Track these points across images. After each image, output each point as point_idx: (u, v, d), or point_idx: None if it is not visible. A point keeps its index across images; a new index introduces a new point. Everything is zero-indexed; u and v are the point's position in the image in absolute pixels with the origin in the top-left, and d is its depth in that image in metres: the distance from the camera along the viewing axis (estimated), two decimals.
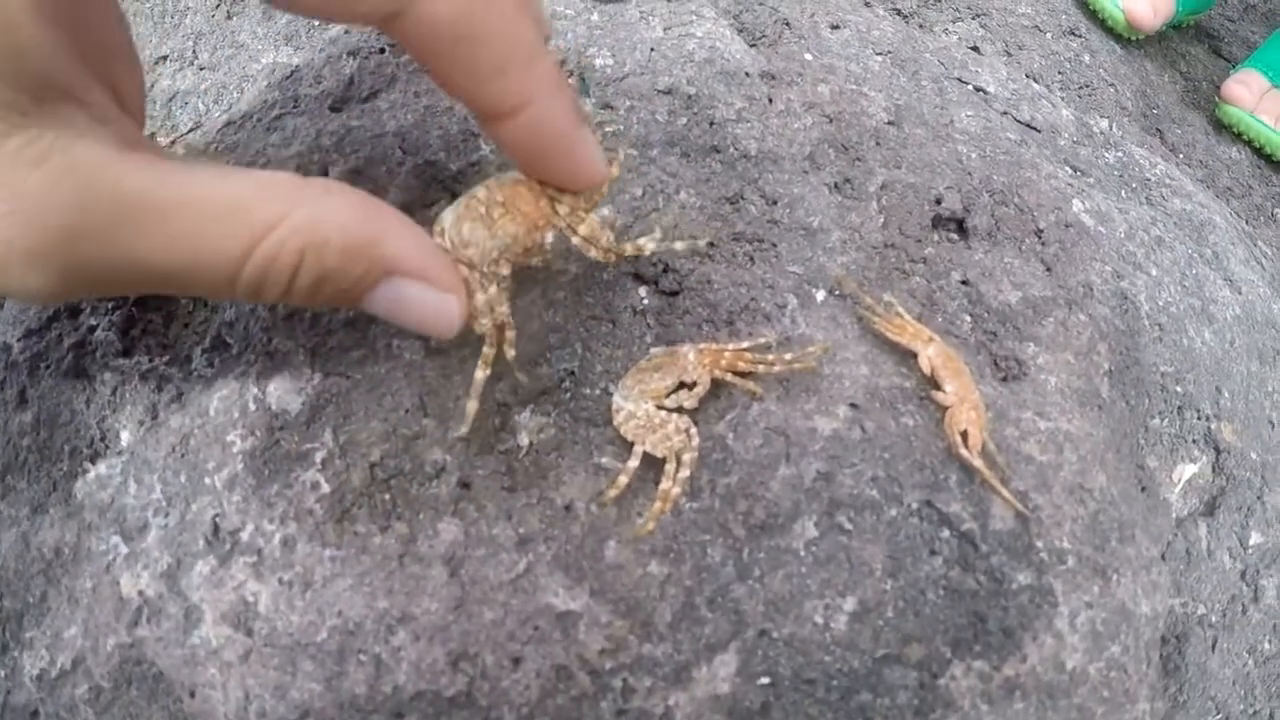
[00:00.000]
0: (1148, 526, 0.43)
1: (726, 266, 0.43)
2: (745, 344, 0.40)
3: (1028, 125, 0.54)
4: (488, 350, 0.36)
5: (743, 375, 0.40)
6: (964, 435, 0.39)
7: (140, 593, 0.40)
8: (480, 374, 0.36)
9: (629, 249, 0.38)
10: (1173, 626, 0.42)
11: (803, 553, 0.37)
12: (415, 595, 0.36)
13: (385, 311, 0.33)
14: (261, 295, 0.31)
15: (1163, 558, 0.43)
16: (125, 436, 0.44)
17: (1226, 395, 0.48)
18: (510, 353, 0.36)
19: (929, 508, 0.39)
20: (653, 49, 0.48)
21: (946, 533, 0.39)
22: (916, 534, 0.38)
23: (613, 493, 0.37)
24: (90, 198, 0.29)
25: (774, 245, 0.44)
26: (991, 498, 0.39)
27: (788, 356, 0.40)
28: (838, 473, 0.39)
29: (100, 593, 0.41)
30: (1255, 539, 0.44)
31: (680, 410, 0.38)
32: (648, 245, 0.38)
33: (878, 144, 0.49)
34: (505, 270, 0.35)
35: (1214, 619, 0.43)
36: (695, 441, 0.38)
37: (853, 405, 0.40)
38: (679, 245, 0.40)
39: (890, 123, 0.50)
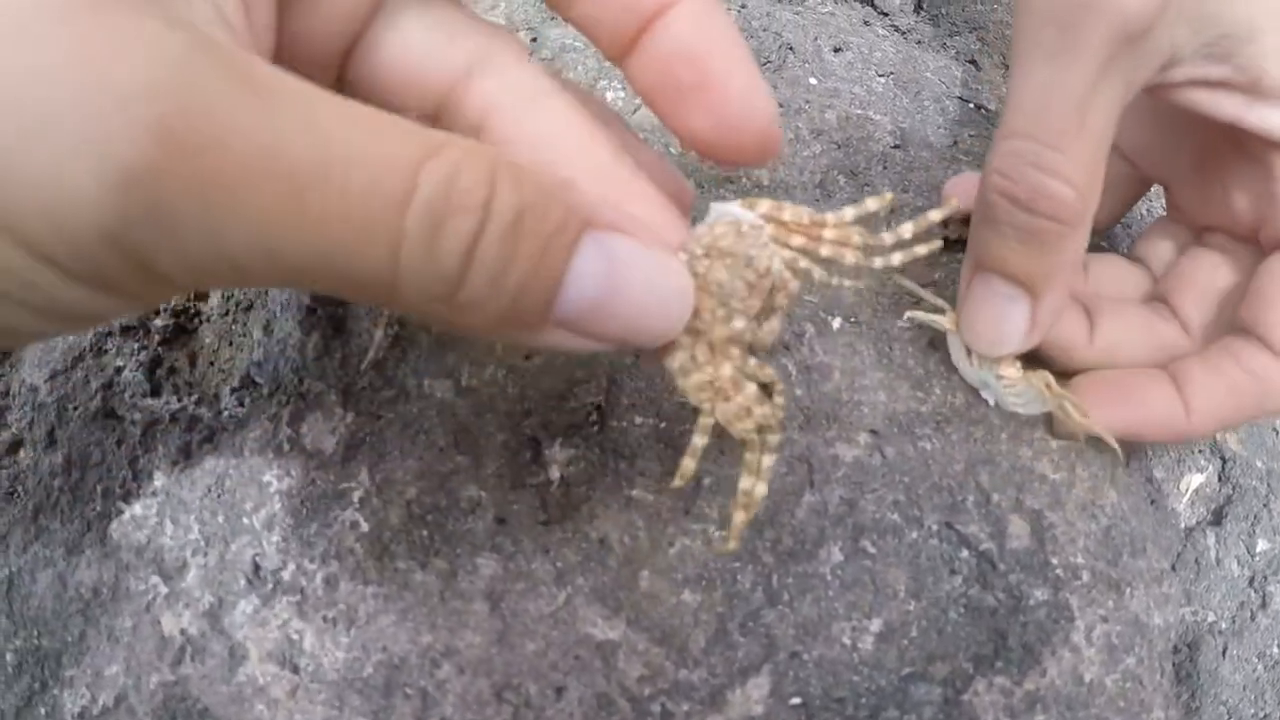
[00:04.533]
0: (1158, 539, 0.44)
1: None
2: (805, 215, 0.29)
3: None
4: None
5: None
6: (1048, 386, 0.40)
7: (182, 631, 0.40)
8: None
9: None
10: (1184, 635, 0.44)
11: (829, 577, 0.39)
12: (458, 629, 0.37)
13: (598, 294, 0.23)
14: (439, 238, 0.20)
15: (1173, 568, 0.45)
16: (159, 477, 0.45)
17: None
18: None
19: (948, 529, 0.40)
20: None
21: (965, 552, 0.40)
22: (937, 555, 0.40)
23: (679, 482, 0.29)
24: (224, 66, 0.19)
25: None
26: (1008, 516, 0.41)
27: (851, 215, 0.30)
28: (860, 499, 0.40)
29: (141, 631, 0.42)
30: (1262, 546, 0.46)
31: (754, 349, 0.27)
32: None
33: (885, 168, 0.50)
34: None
35: (1224, 626, 0.44)
36: (780, 400, 0.27)
37: (872, 432, 0.41)
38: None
39: (896, 146, 0.51)
